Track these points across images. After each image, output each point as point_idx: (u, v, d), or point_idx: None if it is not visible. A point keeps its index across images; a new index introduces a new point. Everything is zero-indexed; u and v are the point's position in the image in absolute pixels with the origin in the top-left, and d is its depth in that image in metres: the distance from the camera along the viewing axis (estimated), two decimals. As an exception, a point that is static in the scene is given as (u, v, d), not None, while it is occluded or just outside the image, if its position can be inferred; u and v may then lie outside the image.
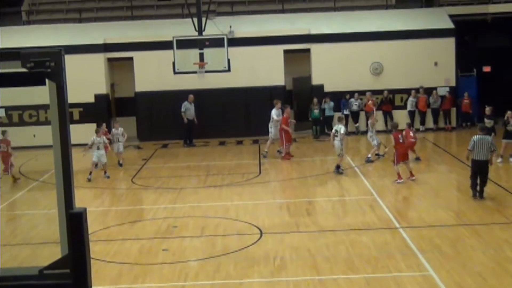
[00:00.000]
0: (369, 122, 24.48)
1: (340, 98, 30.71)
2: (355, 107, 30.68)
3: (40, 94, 3.68)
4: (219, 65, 26.17)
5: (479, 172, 17.73)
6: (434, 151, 26.83)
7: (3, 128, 28.58)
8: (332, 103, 30.41)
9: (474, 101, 30.81)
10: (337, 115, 29.71)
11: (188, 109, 29.27)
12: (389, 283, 11.84)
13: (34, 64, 3.45)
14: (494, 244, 13.81)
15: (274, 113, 25.56)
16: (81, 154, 23.24)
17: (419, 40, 30.66)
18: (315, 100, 30.18)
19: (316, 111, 30.20)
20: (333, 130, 22.30)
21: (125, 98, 32.19)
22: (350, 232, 15.01)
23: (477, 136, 17.81)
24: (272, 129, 25.63)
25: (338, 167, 21.73)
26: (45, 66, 3.46)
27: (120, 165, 24.65)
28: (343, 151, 21.95)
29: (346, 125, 24.18)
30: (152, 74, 30.64)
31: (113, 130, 25.17)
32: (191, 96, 29.31)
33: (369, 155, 23.67)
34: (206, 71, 26.52)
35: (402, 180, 19.91)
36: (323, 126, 30.73)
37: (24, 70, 3.47)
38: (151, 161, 26.06)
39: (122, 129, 25.16)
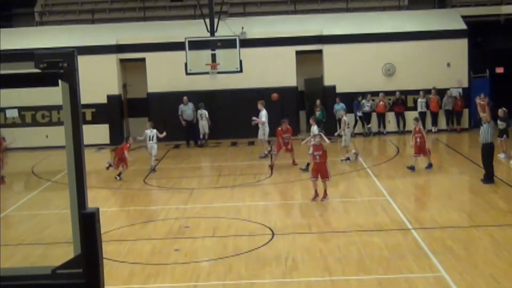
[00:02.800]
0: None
1: (352, 99, 30.67)
2: (367, 108, 30.64)
3: (53, 95, 3.69)
4: (231, 66, 26.20)
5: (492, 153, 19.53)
6: (446, 152, 26.73)
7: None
8: (342, 104, 30.32)
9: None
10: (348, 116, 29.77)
11: (184, 111, 29.43)
12: (401, 284, 11.80)
13: (47, 65, 3.48)
14: (507, 246, 13.73)
15: (263, 114, 25.46)
16: (94, 154, 23.37)
17: (431, 41, 30.59)
18: (317, 101, 29.98)
19: (317, 113, 29.95)
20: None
21: (137, 99, 32.27)
22: (362, 233, 14.98)
23: (485, 125, 19.44)
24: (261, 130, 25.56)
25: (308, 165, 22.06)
26: (58, 67, 3.48)
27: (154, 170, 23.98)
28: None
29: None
30: (164, 75, 30.71)
31: (147, 131, 24.02)
32: (185, 98, 29.57)
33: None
34: (218, 72, 26.56)
35: (318, 198, 18.23)
36: (331, 127, 30.58)
37: (37, 71, 3.49)
38: (163, 161, 26.09)
39: (153, 130, 24.04)
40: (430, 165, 22.01)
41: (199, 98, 29.85)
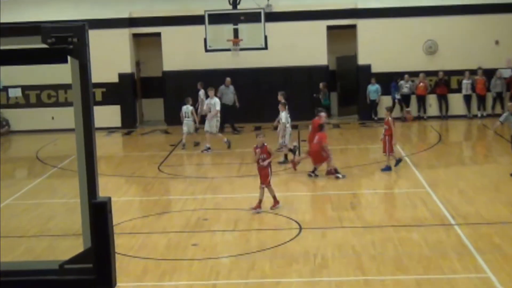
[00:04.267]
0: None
1: (389, 80, 30.45)
2: (405, 90, 30.42)
3: (60, 73, 3.70)
4: (255, 42, 26.11)
5: None
6: (494, 139, 26.53)
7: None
8: (377, 85, 30.16)
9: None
10: (384, 99, 29.64)
11: (226, 93, 29.03)
12: (443, 285, 11.77)
13: (55, 39, 3.47)
14: (561, 244, 13.64)
15: (218, 103, 25.13)
16: (105, 138, 23.49)
17: (478, 15, 30.28)
18: (321, 84, 29.59)
19: (321, 98, 29.61)
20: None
21: (152, 78, 32.34)
22: (399, 229, 14.94)
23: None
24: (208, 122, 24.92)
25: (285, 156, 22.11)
26: (67, 42, 3.47)
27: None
28: (285, 140, 21.85)
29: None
30: (182, 51, 30.72)
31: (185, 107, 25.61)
32: (228, 79, 29.12)
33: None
34: (241, 49, 26.51)
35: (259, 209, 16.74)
36: (366, 112, 30.43)
37: (44, 46, 3.49)
38: (179, 147, 26.15)
39: (190, 107, 25.54)
40: (387, 167, 20.43)
41: (220, 77, 29.82)
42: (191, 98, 26.00)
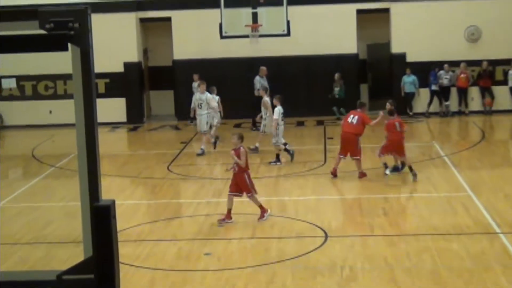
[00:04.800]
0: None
1: (425, 71, 30.32)
2: (445, 81, 30.31)
3: (59, 61, 3.73)
4: (276, 28, 26.13)
5: None
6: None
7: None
8: (413, 77, 30.05)
9: None
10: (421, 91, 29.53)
11: (264, 84, 28.67)
12: (485, 301, 11.75)
13: (54, 25, 3.50)
14: None
15: (210, 98, 24.43)
16: (108, 134, 23.53)
17: (527, -2, 30.19)
18: (336, 75, 29.57)
19: (336, 89, 29.62)
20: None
21: (161, 68, 32.43)
22: (437, 238, 14.90)
23: None
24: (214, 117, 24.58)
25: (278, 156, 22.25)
26: (67, 28, 3.50)
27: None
28: (278, 137, 22.17)
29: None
30: (194, 38, 30.77)
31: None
32: (263, 69, 28.62)
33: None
34: (260, 35, 26.51)
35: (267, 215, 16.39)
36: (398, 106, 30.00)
37: (42, 32, 3.51)
38: (191, 145, 26.21)
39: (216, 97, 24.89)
40: (390, 168, 20.47)
41: (237, 67, 29.85)
42: (215, 87, 25.50)
